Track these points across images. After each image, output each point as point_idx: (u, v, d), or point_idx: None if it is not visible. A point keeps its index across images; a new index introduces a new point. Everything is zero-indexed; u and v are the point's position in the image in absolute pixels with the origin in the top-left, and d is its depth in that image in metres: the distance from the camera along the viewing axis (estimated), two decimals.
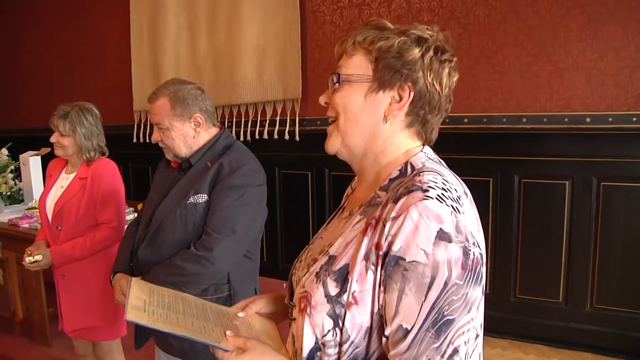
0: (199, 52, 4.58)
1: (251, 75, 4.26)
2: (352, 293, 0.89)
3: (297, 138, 4.05)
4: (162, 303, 1.05)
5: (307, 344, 0.94)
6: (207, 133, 1.89)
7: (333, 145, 1.03)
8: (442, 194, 0.86)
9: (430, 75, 0.96)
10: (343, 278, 0.91)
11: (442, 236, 0.83)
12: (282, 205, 4.29)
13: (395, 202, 0.87)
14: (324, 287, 0.92)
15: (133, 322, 0.96)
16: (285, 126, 4.11)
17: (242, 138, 4.31)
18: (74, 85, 5.89)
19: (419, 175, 0.90)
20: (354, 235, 0.94)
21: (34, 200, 3.69)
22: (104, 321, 2.46)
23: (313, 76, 4.01)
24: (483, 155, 3.37)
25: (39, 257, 2.35)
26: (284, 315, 1.18)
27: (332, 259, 0.94)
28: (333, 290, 0.91)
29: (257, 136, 4.25)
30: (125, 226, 2.41)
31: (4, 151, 4.12)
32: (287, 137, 4.10)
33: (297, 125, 4.06)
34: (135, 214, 3.26)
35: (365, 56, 0.98)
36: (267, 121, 4.22)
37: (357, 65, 0.99)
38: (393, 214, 0.86)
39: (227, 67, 4.38)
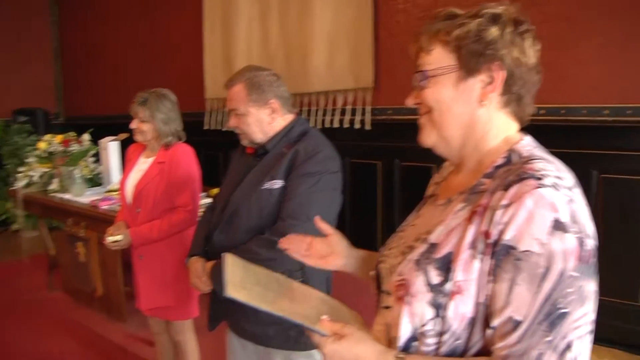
0: (270, 41, 4.64)
1: (322, 64, 4.28)
2: (456, 282, 0.87)
3: (368, 127, 4.05)
4: (258, 281, 1.05)
5: (404, 333, 0.92)
6: (282, 119, 1.90)
7: (428, 138, 1.02)
8: (557, 183, 0.83)
9: (514, 50, 0.93)
10: (446, 266, 0.89)
11: (557, 226, 0.80)
12: (349, 195, 4.29)
13: (506, 189, 0.85)
14: (425, 275, 0.91)
15: (232, 298, 0.95)
16: (356, 115, 4.11)
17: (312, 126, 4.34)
18: (149, 74, 6.11)
19: (530, 163, 0.87)
20: (457, 222, 0.92)
21: (112, 183, 3.86)
22: (177, 301, 2.55)
23: (385, 65, 3.98)
24: (560, 149, 3.24)
25: (119, 237, 2.45)
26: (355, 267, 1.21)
27: (433, 246, 0.93)
28: (435, 278, 0.90)
29: (327, 125, 4.27)
30: (199, 211, 2.50)
31: (86, 137, 4.32)
32: (357, 126, 4.10)
33: (368, 114, 4.05)
34: (208, 199, 3.35)
35: (444, 48, 0.96)
36: (338, 110, 4.23)
37: (439, 58, 0.97)
38: (504, 202, 0.84)
39: (299, 56, 4.42)
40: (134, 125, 2.50)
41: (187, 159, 2.52)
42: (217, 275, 1.86)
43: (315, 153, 1.79)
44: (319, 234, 1.84)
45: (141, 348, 3.40)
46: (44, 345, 3.79)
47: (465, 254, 0.88)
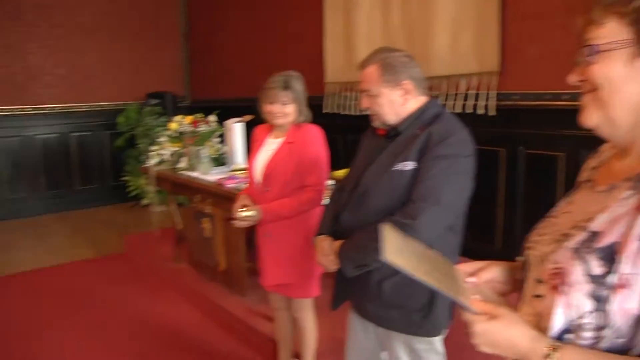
0: (392, 25, 4.59)
1: (445, 48, 4.17)
2: (622, 275, 0.81)
3: (492, 113, 3.90)
4: (413, 253, 1.05)
5: (557, 323, 0.88)
6: (415, 101, 1.87)
7: (590, 118, 0.94)
8: None
9: None
10: (610, 257, 0.83)
11: None
12: None
13: None
14: (584, 264, 0.86)
15: (390, 264, 0.96)
16: (479, 100, 3.97)
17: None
18: (270, 59, 6.28)
19: None
20: (623, 211, 0.86)
21: (236, 163, 4.02)
22: (300, 279, 2.62)
23: (512, 48, 3.79)
24: None
25: (253, 212, 2.52)
26: (512, 288, 1.13)
27: (595, 235, 0.87)
28: (596, 269, 0.84)
29: (449, 110, 4.16)
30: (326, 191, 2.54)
31: (212, 118, 4.52)
32: (480, 111, 3.96)
33: (492, 99, 3.89)
34: (330, 181, 3.39)
35: (620, 21, 0.88)
36: (461, 95, 4.11)
37: (612, 32, 0.89)
38: None
39: (420, 40, 4.33)
40: (277, 109, 2.52)
41: (317, 139, 2.57)
42: (344, 255, 1.88)
43: (449, 136, 1.75)
44: (447, 219, 1.80)
45: (259, 322, 3.53)
46: (169, 311, 4.07)
47: (634, 245, 0.81)
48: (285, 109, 2.52)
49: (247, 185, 2.85)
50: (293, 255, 2.57)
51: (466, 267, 1.14)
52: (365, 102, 1.92)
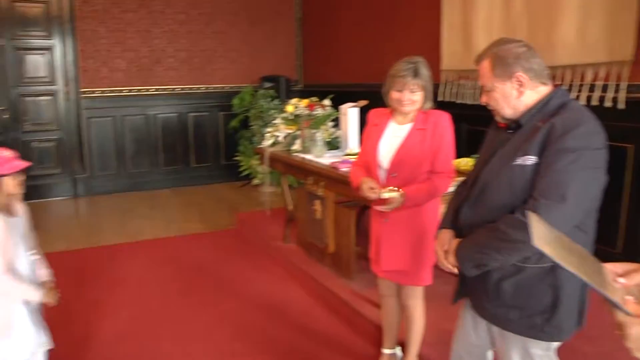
0: (513, 10, 4.39)
1: (571, 35, 3.92)
2: None
3: (621, 106, 3.63)
4: (563, 245, 1.02)
5: None
6: (534, 92, 1.78)
7: None
8: None
9: None
10: None
11: None
12: None
13: None
14: None
15: (540, 251, 0.94)
16: (607, 92, 3.71)
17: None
18: (383, 45, 6.24)
19: None
20: None
21: (350, 147, 4.04)
22: (414, 267, 2.59)
23: None
24: None
25: (397, 195, 2.45)
26: None
27: None
28: None
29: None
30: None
31: (327, 102, 4.57)
32: (608, 104, 3.70)
33: (622, 91, 3.62)
34: None
35: None
36: (586, 86, 3.87)
37: None
38: None
39: (544, 26, 4.11)
40: (405, 97, 2.48)
41: (449, 126, 2.54)
42: (463, 254, 1.83)
43: (575, 127, 1.64)
44: (574, 218, 1.68)
45: (365, 306, 3.55)
46: (275, 289, 4.19)
47: None
48: (413, 96, 2.48)
49: (355, 168, 2.80)
50: (410, 242, 2.55)
51: (615, 267, 1.06)
52: (483, 98, 1.88)
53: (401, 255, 2.58)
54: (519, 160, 1.71)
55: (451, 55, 5.10)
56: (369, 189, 2.50)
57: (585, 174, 1.64)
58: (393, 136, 2.59)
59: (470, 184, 1.93)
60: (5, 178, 2.20)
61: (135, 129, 7.72)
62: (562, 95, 1.79)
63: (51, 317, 3.75)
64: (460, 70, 5.00)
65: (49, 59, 7.24)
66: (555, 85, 1.83)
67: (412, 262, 2.58)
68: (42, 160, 7.38)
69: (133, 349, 3.34)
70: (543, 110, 1.76)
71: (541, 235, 1.00)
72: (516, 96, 1.78)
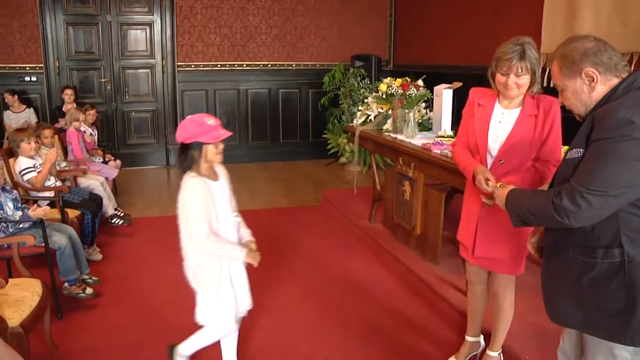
0: None
1: None
2: None
3: None
4: None
5: None
6: (605, 87, 1.70)
7: None
8: None
9: None
10: None
11: None
12: None
13: None
14: None
15: None
16: None
17: None
18: (477, 27, 6.03)
19: None
20: None
21: (443, 129, 3.95)
22: (510, 255, 2.50)
23: None
24: None
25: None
26: None
27: None
28: None
29: None
30: None
31: (420, 82, 4.48)
32: None
33: None
34: None
35: None
36: None
37: None
38: None
39: None
40: (510, 81, 2.34)
41: (559, 112, 2.37)
42: (513, 206, 1.91)
43: (607, 115, 1.59)
44: (610, 205, 1.59)
45: (449, 291, 3.49)
46: (359, 267, 4.20)
47: None
48: (520, 80, 2.33)
49: (461, 150, 2.69)
50: (508, 229, 2.44)
51: None
52: (560, 99, 1.85)
53: (499, 243, 2.48)
54: (570, 154, 1.73)
55: (553, 38, 4.82)
56: (485, 180, 2.34)
57: (613, 165, 1.57)
58: (501, 121, 2.47)
59: None
60: (208, 146, 2.34)
61: (227, 103, 7.94)
62: (630, 84, 1.68)
63: (146, 277, 3.94)
64: None
65: (149, 34, 7.56)
66: (629, 74, 1.72)
67: (510, 250, 2.49)
68: (139, 130, 7.80)
69: None
70: (609, 100, 1.69)
71: None
72: (588, 92, 1.73)
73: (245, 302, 2.63)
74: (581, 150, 1.67)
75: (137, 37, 7.56)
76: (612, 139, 1.56)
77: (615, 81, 1.71)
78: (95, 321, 3.35)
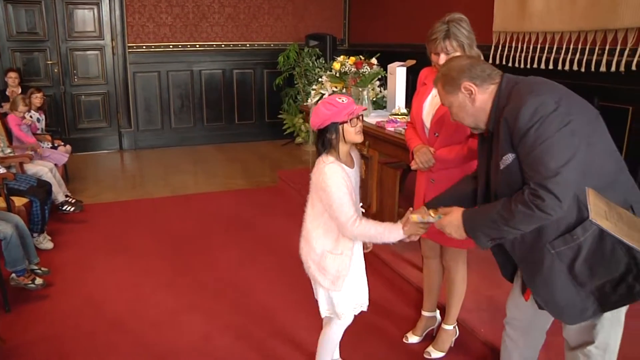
0: None
1: None
2: None
3: None
4: (621, 219, 0.99)
5: None
6: (486, 94, 1.83)
7: None
8: None
9: None
10: None
11: None
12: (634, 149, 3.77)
13: None
14: None
15: (596, 224, 0.92)
16: None
17: (613, 68, 3.86)
18: (432, 4, 6.05)
19: None
20: None
21: (397, 107, 3.96)
22: None
23: None
24: None
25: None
26: None
27: None
28: None
29: (633, 67, 3.74)
30: None
31: (374, 61, 4.48)
32: None
33: None
34: None
35: None
36: None
37: None
38: None
39: None
40: (441, 59, 2.40)
41: None
42: (474, 229, 1.87)
43: (519, 109, 1.68)
44: (572, 181, 1.60)
45: (406, 268, 3.55)
46: None
47: None
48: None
49: (409, 130, 2.75)
50: None
51: None
52: (451, 116, 1.98)
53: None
54: (503, 163, 1.76)
55: (504, 16, 4.88)
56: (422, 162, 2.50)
57: (555, 141, 1.62)
58: (436, 95, 2.51)
59: (482, 189, 1.98)
60: (344, 125, 2.14)
61: (180, 85, 7.77)
62: (507, 84, 1.82)
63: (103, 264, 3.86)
64: (512, 32, 4.80)
65: (97, 14, 7.31)
66: (501, 76, 1.86)
67: None
68: (90, 114, 7.57)
69: (176, 297, 3.43)
70: (498, 106, 1.80)
71: (597, 209, 0.97)
72: (470, 104, 1.85)
73: (365, 296, 2.45)
74: (511, 155, 1.73)
75: (84, 17, 7.28)
76: (534, 126, 1.64)
77: (493, 87, 1.83)
78: (46, 312, 3.26)
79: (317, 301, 2.40)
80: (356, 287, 2.37)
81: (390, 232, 2.12)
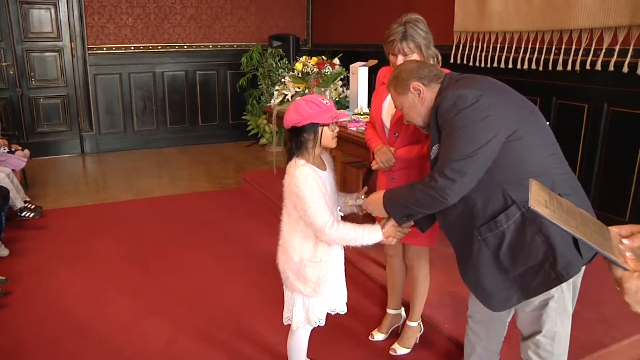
0: None
1: None
2: None
3: (639, 72, 3.55)
4: (561, 207, 1.04)
5: None
6: (432, 93, 1.95)
7: None
8: None
9: None
10: None
11: None
12: (604, 146, 3.89)
13: None
14: None
15: (535, 212, 0.96)
16: (626, 57, 3.62)
17: (569, 67, 3.97)
18: (394, 4, 6.11)
19: None
20: None
21: (359, 107, 3.99)
22: None
23: None
24: None
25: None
26: None
27: None
28: None
29: (587, 66, 3.86)
30: None
31: (336, 61, 4.50)
32: (625, 69, 3.62)
33: None
34: None
35: None
36: (603, 50, 3.77)
37: None
38: None
39: None
40: (398, 61, 2.42)
41: None
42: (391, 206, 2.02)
43: (442, 101, 1.83)
44: (471, 172, 1.77)
45: (370, 266, 3.58)
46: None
47: None
48: (408, 59, 2.38)
49: (369, 130, 2.75)
50: None
51: (620, 229, 1.07)
52: (404, 118, 2.09)
53: None
54: (432, 153, 1.92)
55: (465, 16, 4.98)
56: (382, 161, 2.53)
57: (465, 131, 1.76)
58: None
59: None
60: (324, 127, 2.08)
61: (142, 87, 7.67)
62: (449, 82, 1.94)
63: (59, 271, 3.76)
64: (473, 32, 4.89)
65: (54, 14, 7.14)
66: (444, 74, 2.01)
67: None
68: (50, 117, 7.39)
69: (141, 302, 3.38)
70: (435, 102, 1.93)
71: (538, 198, 1.02)
72: (420, 103, 1.97)
73: (342, 301, 2.40)
74: (437, 145, 1.87)
75: (40, 17, 7.09)
76: (452, 116, 1.78)
77: (436, 86, 1.97)
78: (5, 321, 3.18)
79: (286, 310, 2.36)
80: (333, 292, 2.32)
81: (369, 234, 2.09)
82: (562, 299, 1.87)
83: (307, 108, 2.03)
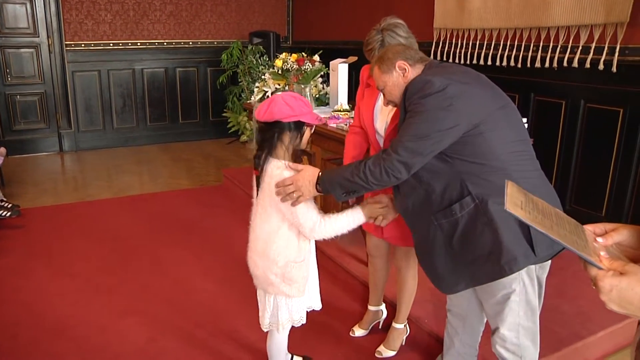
0: None
1: None
2: None
3: (614, 69, 3.60)
4: (537, 208, 1.05)
5: None
6: (415, 74, 1.95)
7: None
8: None
9: None
10: None
11: None
12: (581, 142, 3.94)
13: None
14: None
15: (511, 214, 0.97)
16: (601, 54, 3.67)
17: (547, 64, 4.01)
18: (375, 2, 6.12)
19: None
20: None
21: (339, 104, 3.99)
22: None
23: None
24: None
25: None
26: None
27: None
28: None
29: (565, 64, 3.90)
30: None
31: (316, 57, 4.50)
32: (601, 67, 3.66)
33: (616, 54, 3.58)
34: None
35: None
36: (580, 47, 3.82)
37: None
38: None
39: None
40: None
41: None
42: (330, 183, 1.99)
43: (411, 85, 1.88)
44: (422, 153, 1.81)
45: (350, 262, 3.60)
46: None
47: None
48: None
49: (347, 141, 2.71)
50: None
51: (595, 227, 1.09)
52: (385, 99, 2.07)
53: (400, 218, 2.53)
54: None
55: (444, 13, 5.00)
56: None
57: (424, 116, 1.80)
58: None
59: None
60: (307, 128, 2.06)
61: (122, 84, 7.59)
62: (429, 67, 1.97)
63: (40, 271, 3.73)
64: (453, 29, 4.92)
65: (30, 9, 7.02)
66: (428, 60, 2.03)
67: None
68: (27, 115, 7.27)
69: (120, 301, 3.35)
70: None
71: (517, 201, 1.03)
72: (403, 82, 1.96)
73: (317, 298, 2.37)
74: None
75: (15, 13, 6.95)
76: (417, 98, 1.82)
77: (420, 66, 1.99)
78: None
79: (265, 317, 2.31)
80: (310, 289, 2.30)
81: (353, 218, 2.10)
82: (524, 292, 1.91)
83: (299, 105, 1.99)
